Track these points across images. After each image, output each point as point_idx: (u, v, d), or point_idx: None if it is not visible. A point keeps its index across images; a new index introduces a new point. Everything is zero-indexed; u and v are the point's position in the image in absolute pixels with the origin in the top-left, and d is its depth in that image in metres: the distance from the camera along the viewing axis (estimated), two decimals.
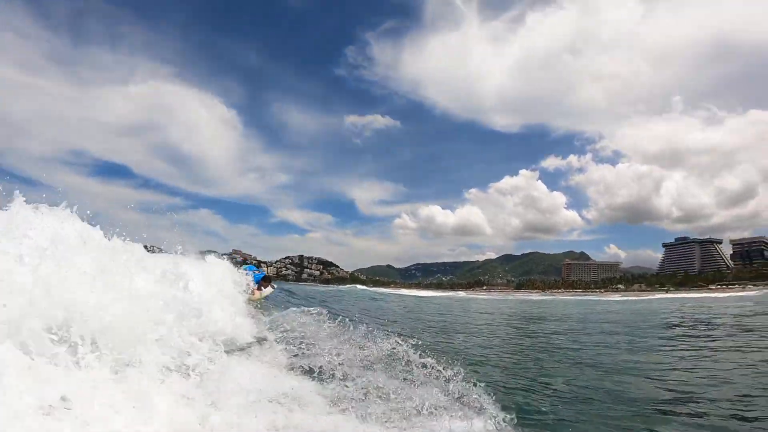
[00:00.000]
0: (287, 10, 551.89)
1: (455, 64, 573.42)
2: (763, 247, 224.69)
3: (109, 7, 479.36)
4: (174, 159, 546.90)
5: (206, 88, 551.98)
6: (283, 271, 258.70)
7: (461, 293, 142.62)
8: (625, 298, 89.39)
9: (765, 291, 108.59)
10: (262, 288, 12.16)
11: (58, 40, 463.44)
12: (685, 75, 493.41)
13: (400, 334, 7.58)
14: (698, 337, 12.85)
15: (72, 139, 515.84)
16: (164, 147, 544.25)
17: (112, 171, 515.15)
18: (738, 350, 9.84)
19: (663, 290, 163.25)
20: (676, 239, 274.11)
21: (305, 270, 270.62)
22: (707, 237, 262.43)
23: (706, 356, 9.13)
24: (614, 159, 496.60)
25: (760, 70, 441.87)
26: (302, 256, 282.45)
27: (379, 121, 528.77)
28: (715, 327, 15.54)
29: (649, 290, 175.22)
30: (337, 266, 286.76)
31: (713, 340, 11.96)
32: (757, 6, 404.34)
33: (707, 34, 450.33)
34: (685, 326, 16.26)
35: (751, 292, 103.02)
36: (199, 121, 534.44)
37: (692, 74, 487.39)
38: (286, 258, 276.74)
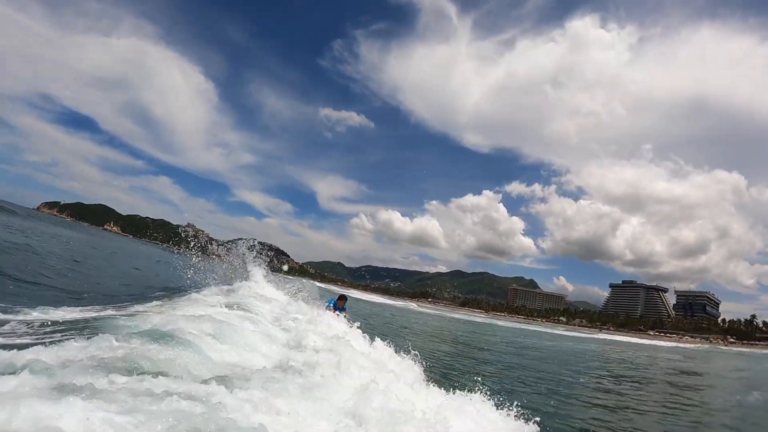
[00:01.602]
0: None
1: (438, 76, 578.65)
2: (706, 301, 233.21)
3: None
4: (143, 120, 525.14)
5: (188, 55, 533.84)
6: None
7: (412, 305, 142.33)
8: (567, 333, 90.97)
9: (700, 345, 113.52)
10: (338, 313, 11.51)
11: None
12: (659, 125, 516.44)
13: None
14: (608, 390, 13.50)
15: (43, 83, 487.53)
16: (135, 106, 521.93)
17: (77, 122, 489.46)
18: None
19: (605, 329, 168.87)
20: (624, 281, 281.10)
21: None
22: (654, 284, 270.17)
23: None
24: (577, 194, 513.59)
25: (731, 133, 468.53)
26: (255, 240, 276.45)
27: (353, 118, 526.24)
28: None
29: (589, 326, 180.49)
30: (288, 256, 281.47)
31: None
32: (737, 73, 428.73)
33: (688, 90, 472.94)
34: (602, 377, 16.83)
35: (687, 344, 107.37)
36: (174, 87, 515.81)
37: (667, 125, 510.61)
38: (239, 239, 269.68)
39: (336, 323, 9.52)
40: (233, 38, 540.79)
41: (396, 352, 7.75)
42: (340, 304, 12.15)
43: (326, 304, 12.42)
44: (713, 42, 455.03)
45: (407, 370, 7.04)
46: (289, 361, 5.82)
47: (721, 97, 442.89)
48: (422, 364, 7.52)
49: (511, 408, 5.60)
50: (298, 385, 4.49)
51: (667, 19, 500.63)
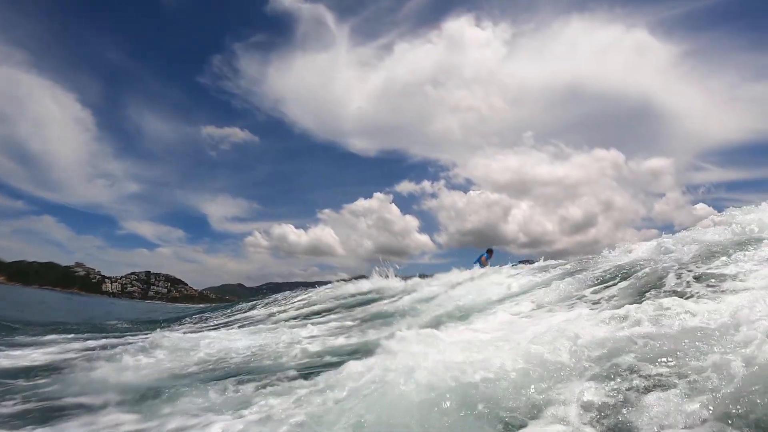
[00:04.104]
0: (156, 8, 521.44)
1: (320, 85, 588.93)
2: None
3: None
4: (19, 156, 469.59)
5: (61, 82, 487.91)
6: (129, 288, 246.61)
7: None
8: None
9: None
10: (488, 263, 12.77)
11: None
12: (537, 114, 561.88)
13: None
14: None
15: None
16: (9, 142, 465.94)
17: None
18: None
19: None
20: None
21: (152, 287, 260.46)
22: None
23: None
24: (466, 186, 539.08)
25: (606, 115, 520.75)
26: (149, 272, 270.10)
27: (237, 134, 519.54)
28: None
29: None
30: (186, 284, 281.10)
31: None
32: (605, 60, 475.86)
33: (562, 79, 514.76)
34: None
35: None
36: (50, 117, 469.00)
37: (545, 113, 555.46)
38: (132, 274, 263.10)
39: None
40: (109, 60, 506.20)
41: None
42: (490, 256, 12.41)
43: (474, 262, 12.49)
44: (583, 33, 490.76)
45: None
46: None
47: (593, 82, 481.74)
48: None
49: None
50: None
51: (540, 15, 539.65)
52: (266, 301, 15.63)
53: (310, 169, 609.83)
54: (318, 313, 10.12)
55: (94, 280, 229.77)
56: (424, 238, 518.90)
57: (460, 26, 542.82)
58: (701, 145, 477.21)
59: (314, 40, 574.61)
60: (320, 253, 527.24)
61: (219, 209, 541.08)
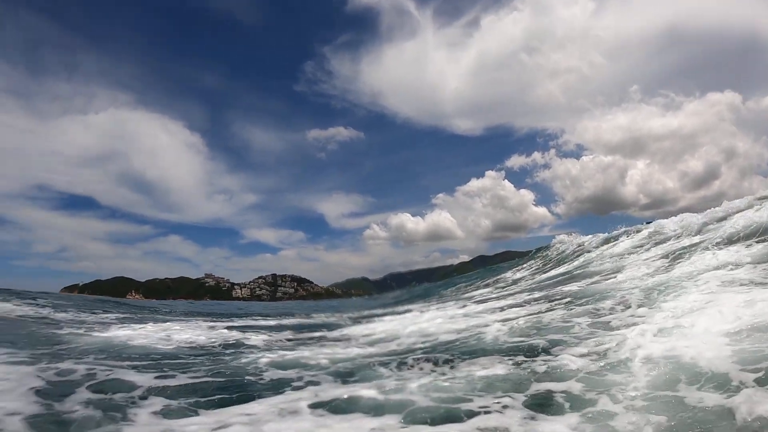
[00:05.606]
0: (243, 28, 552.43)
1: (413, 72, 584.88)
2: None
3: (64, 36, 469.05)
4: (139, 187, 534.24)
5: (167, 113, 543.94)
6: (257, 291, 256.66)
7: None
8: None
9: None
10: None
11: (13, 72, 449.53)
12: (640, 65, 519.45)
13: None
14: None
15: (34, 173, 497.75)
16: (128, 175, 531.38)
17: (77, 203, 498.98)
18: None
19: None
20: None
21: (279, 288, 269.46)
22: None
23: None
24: (578, 152, 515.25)
25: (712, 55, 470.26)
26: (275, 274, 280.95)
27: (342, 133, 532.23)
28: None
29: None
30: (311, 282, 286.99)
31: None
32: None
33: (658, 24, 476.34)
34: None
35: None
36: (161, 147, 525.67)
37: (647, 63, 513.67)
38: (259, 278, 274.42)
39: None
40: (208, 85, 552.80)
41: None
42: None
43: None
44: None
45: None
46: None
47: (692, 21, 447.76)
48: None
49: None
50: None
51: None
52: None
53: (418, 156, 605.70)
54: None
55: (224, 288, 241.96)
56: (541, 211, 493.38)
57: None
58: None
59: (399, 30, 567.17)
60: (439, 238, 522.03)
61: (334, 207, 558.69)
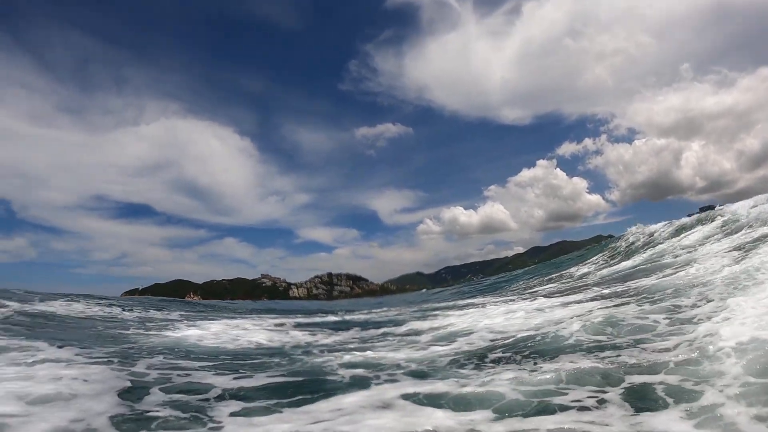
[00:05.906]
0: (285, 32, 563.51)
1: (458, 64, 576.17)
2: None
3: (111, 52, 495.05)
4: (193, 192, 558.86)
5: (217, 120, 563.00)
6: (314, 291, 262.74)
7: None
8: None
9: None
10: None
11: (65, 90, 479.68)
12: (689, 42, 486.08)
13: None
14: None
15: (91, 185, 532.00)
16: (182, 182, 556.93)
17: (134, 211, 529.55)
18: None
19: None
20: (701, 209, 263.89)
21: (335, 287, 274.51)
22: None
23: None
24: (629, 137, 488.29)
25: (764, 28, 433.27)
26: (331, 273, 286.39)
27: (390, 130, 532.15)
28: None
29: None
30: (366, 280, 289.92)
31: None
32: None
33: None
34: None
35: None
36: (213, 153, 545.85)
37: (697, 40, 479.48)
38: (315, 277, 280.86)
39: None
40: (254, 90, 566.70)
41: None
42: None
43: None
44: None
45: None
46: None
47: None
48: None
49: None
50: None
51: None
52: None
53: (467, 148, 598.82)
54: None
55: (280, 288, 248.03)
56: (595, 198, 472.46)
57: None
58: None
59: (440, 22, 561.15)
60: (493, 230, 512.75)
61: (387, 203, 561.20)
